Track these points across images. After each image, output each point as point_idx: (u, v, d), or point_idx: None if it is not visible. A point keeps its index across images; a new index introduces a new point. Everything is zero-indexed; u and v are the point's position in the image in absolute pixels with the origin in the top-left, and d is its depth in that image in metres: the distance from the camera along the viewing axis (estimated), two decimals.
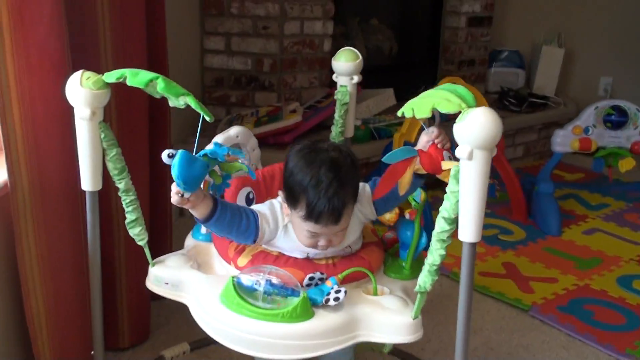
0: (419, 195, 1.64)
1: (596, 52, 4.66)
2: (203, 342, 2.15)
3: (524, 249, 2.95)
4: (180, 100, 1.37)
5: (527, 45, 4.57)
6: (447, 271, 2.67)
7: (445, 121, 2.90)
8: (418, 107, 1.31)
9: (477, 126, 1.21)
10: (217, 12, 3.32)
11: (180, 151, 1.32)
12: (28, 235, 1.65)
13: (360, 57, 1.92)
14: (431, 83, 3.21)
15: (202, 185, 1.52)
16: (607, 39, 4.63)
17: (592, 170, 3.38)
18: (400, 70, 4.00)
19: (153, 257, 1.61)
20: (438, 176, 1.44)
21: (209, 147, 1.41)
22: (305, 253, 1.51)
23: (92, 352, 1.67)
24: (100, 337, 1.66)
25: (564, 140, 3.37)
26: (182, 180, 1.32)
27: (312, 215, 1.42)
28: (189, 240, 1.75)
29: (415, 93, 1.36)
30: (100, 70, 1.43)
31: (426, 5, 4.17)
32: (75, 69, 1.43)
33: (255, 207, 1.54)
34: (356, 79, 1.92)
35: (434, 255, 1.33)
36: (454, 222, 1.31)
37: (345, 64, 1.89)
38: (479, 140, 1.22)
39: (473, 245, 1.31)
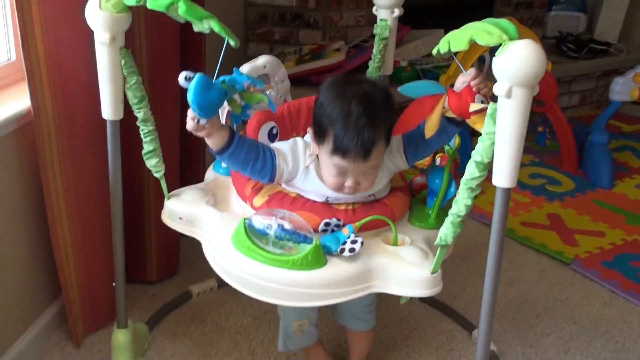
0: (454, 140, 1.53)
1: None
2: None
3: (571, 201, 2.82)
4: (205, 24, 1.29)
5: None
6: (487, 220, 2.57)
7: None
8: (455, 39, 1.21)
9: (517, 60, 1.11)
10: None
11: (197, 74, 1.25)
12: (53, 164, 1.62)
13: None
14: None
15: (222, 118, 1.46)
16: None
17: None
18: (453, 10, 3.81)
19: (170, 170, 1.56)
20: (468, 121, 1.33)
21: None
22: (324, 196, 1.43)
23: (114, 283, 1.64)
24: (121, 265, 1.64)
25: (623, 89, 3.17)
26: (196, 105, 1.26)
27: (339, 148, 1.32)
28: (210, 173, 1.70)
29: None
30: None
31: None
32: None
33: (276, 144, 1.46)
34: (397, 12, 1.81)
35: (459, 205, 1.24)
36: (486, 168, 1.22)
37: None
38: (519, 76, 1.11)
39: (507, 190, 1.22)
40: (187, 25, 1.33)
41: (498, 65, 1.13)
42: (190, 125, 1.30)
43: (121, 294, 1.65)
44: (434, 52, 1.28)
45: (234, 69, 1.36)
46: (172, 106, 1.89)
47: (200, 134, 1.32)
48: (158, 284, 2.11)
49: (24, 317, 1.76)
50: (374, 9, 1.84)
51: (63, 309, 1.86)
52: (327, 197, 1.43)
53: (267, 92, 1.62)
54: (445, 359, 1.87)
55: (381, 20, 1.82)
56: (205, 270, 2.13)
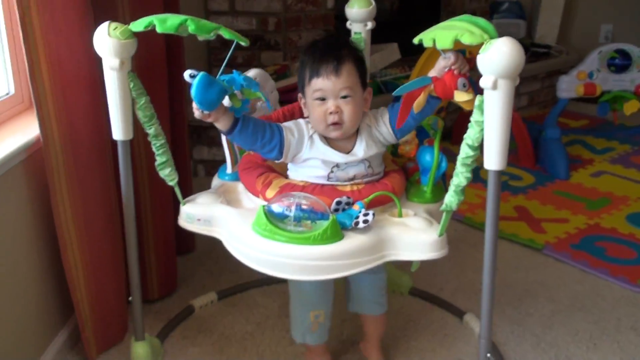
0: (436, 123, 1.68)
1: (595, 0, 4.67)
2: (229, 291, 2.25)
3: (534, 193, 3.01)
4: (212, 33, 1.42)
5: None
6: (461, 217, 2.73)
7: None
8: (440, 37, 1.34)
9: (500, 56, 1.26)
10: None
11: (200, 73, 1.38)
12: (62, 188, 1.70)
13: (374, 3, 1.94)
14: None
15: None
16: None
17: (597, 115, 3.41)
18: (402, 25, 4.00)
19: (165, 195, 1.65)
20: (453, 101, 1.47)
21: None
22: (331, 165, 1.56)
23: (130, 298, 1.72)
24: (137, 279, 1.72)
25: (568, 86, 3.40)
26: (197, 100, 1.40)
27: (313, 69, 1.53)
28: (216, 181, 1.80)
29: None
30: (118, 22, 1.46)
31: None
32: (96, 23, 1.47)
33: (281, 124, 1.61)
34: (370, 25, 1.95)
35: (460, 177, 1.39)
36: (477, 148, 1.36)
37: (359, 11, 1.92)
38: (503, 69, 1.26)
39: (498, 173, 1.36)
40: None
41: (483, 61, 1.27)
42: (196, 114, 1.44)
43: (138, 308, 1.73)
44: (416, 40, 1.41)
45: (234, 70, 1.48)
46: (159, 110, 1.97)
47: (208, 120, 1.46)
48: (159, 302, 2.18)
49: (39, 340, 1.81)
50: (347, 23, 1.97)
51: (74, 331, 1.93)
52: (333, 167, 1.56)
53: (259, 103, 1.74)
54: (442, 343, 2.00)
55: (355, 33, 1.96)
56: (202, 285, 2.24)
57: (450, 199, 1.41)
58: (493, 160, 1.34)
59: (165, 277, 2.19)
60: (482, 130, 1.33)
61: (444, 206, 1.43)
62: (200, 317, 2.11)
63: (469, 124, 1.35)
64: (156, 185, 2.03)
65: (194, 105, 1.42)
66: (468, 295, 2.23)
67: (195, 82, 1.38)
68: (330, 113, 1.53)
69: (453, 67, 1.45)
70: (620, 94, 3.36)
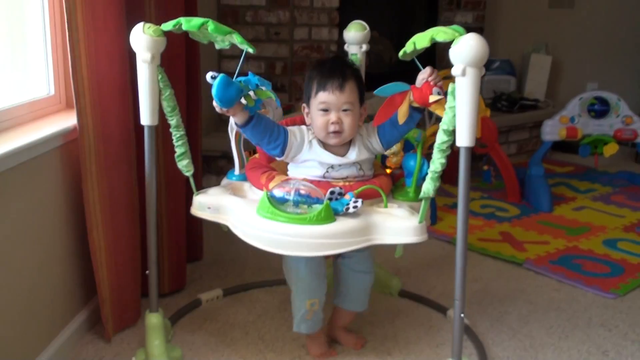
0: (420, 135, 1.93)
1: (582, 59, 5.00)
2: (234, 289, 2.45)
3: (518, 222, 3.24)
4: (226, 41, 1.69)
5: (517, 54, 4.90)
6: (449, 238, 2.94)
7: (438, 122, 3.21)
8: (418, 39, 1.62)
9: (468, 47, 1.52)
10: (233, 20, 3.65)
11: (220, 75, 1.64)
12: (92, 175, 1.93)
13: (368, 28, 2.23)
14: None
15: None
16: (591, 47, 4.98)
17: (579, 155, 3.67)
18: (399, 76, 4.33)
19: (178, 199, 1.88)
20: (429, 108, 1.73)
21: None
22: (326, 165, 1.81)
23: (147, 271, 1.93)
24: (154, 254, 1.94)
25: (552, 129, 3.69)
26: (218, 99, 1.65)
27: (320, 84, 1.78)
28: (224, 181, 2.04)
29: None
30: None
31: (421, 17, 4.54)
32: (128, 25, 1.75)
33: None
34: (365, 47, 2.23)
35: (435, 164, 1.62)
36: (452, 134, 1.60)
37: (356, 34, 2.21)
38: (470, 58, 1.52)
39: (469, 149, 1.60)
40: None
41: (454, 52, 1.54)
42: (217, 109, 1.70)
43: (153, 281, 1.94)
44: (400, 54, 1.70)
45: (249, 72, 1.75)
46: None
47: (227, 114, 1.72)
48: (169, 296, 2.38)
49: (60, 317, 2.01)
50: (345, 46, 2.26)
51: (94, 313, 2.13)
52: (329, 168, 1.80)
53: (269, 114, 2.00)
54: (427, 334, 2.19)
55: (352, 54, 2.24)
56: (209, 286, 2.45)
57: (428, 186, 1.63)
58: (464, 137, 1.58)
59: (176, 273, 2.39)
60: (454, 115, 1.58)
61: (422, 194, 1.65)
62: (207, 309, 2.31)
63: (444, 112, 1.59)
64: (172, 187, 2.28)
65: (215, 102, 1.68)
66: (452, 298, 2.42)
67: (216, 83, 1.64)
68: (332, 123, 1.78)
69: (429, 79, 1.72)
70: (600, 138, 3.64)
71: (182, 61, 2.26)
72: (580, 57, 5.01)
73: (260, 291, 2.45)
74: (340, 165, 1.83)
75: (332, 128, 1.79)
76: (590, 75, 5.00)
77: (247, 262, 2.66)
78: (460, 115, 1.57)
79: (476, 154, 3.87)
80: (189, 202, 2.37)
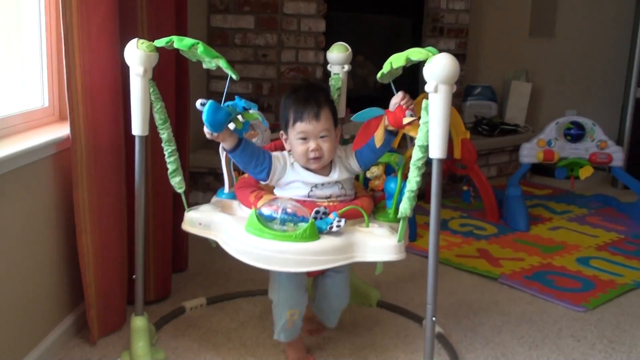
0: (401, 160, 2.03)
1: (561, 87, 5.16)
2: (218, 298, 2.52)
3: (495, 239, 3.34)
4: (213, 62, 1.79)
5: (498, 80, 5.05)
6: (427, 254, 3.02)
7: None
8: (395, 59, 1.74)
9: (440, 66, 1.63)
10: (222, 42, 3.77)
11: (209, 101, 1.73)
12: (83, 182, 2.02)
13: (350, 50, 2.34)
14: None
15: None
16: (570, 75, 5.15)
17: (556, 177, 3.80)
18: (383, 100, 4.45)
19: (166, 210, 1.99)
20: (403, 131, 1.85)
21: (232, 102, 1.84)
22: (310, 185, 1.90)
23: (134, 276, 2.01)
24: (141, 258, 2.01)
25: (530, 152, 3.83)
26: (208, 123, 1.75)
27: (297, 114, 1.87)
28: (214, 199, 2.12)
29: None
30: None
31: (406, 43, 4.68)
32: (121, 41, 1.85)
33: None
34: (347, 67, 2.34)
35: (411, 182, 1.71)
36: (427, 150, 1.70)
37: (338, 55, 2.31)
38: (442, 76, 1.63)
39: (441, 161, 1.70)
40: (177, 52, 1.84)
41: (427, 70, 1.64)
42: (207, 135, 1.79)
43: (140, 285, 2.02)
44: (379, 76, 1.81)
45: (235, 96, 1.84)
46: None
47: (216, 140, 1.81)
48: (154, 304, 2.46)
49: (47, 321, 2.07)
50: (328, 66, 2.36)
51: (80, 318, 2.20)
52: (312, 187, 1.90)
53: (255, 138, 2.10)
54: (403, 342, 2.27)
55: (334, 74, 2.35)
56: (193, 295, 2.52)
57: (405, 205, 1.73)
58: (436, 150, 1.68)
59: (162, 282, 2.47)
60: (428, 131, 1.68)
61: (400, 213, 1.74)
62: (191, 316, 2.39)
63: (419, 128, 1.69)
64: (159, 199, 2.37)
65: (205, 128, 1.77)
66: None
67: (205, 108, 1.74)
68: (312, 150, 1.89)
69: (402, 103, 1.84)
70: (576, 161, 3.77)
71: (172, 79, 2.36)
72: (560, 84, 5.17)
73: (242, 300, 2.52)
74: (323, 184, 1.93)
75: (312, 155, 1.89)
76: (568, 102, 5.15)
77: (231, 273, 2.74)
78: (433, 129, 1.67)
79: (457, 175, 4.00)
80: (176, 214, 2.49)
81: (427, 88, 1.66)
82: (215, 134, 1.79)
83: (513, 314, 2.51)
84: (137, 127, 1.89)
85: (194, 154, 3.38)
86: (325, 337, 2.27)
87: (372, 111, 1.94)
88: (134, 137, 1.92)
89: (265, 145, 2.10)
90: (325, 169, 1.95)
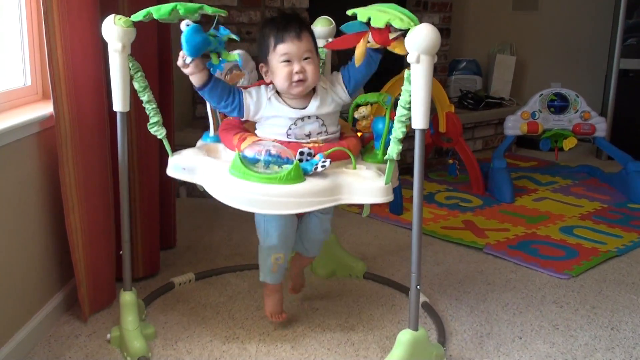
0: (389, 99, 2.03)
1: (545, 60, 5.18)
2: (205, 273, 2.55)
3: (481, 211, 3.38)
4: (196, 15, 1.80)
5: (483, 54, 5.07)
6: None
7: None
8: (375, 18, 1.70)
9: (422, 37, 1.63)
10: (204, 19, 3.75)
11: (193, 24, 1.75)
12: (69, 160, 2.02)
13: (334, 23, 2.34)
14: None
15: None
16: (554, 48, 5.16)
17: (540, 148, 3.83)
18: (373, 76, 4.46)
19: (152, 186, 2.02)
20: (389, 48, 1.81)
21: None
22: (291, 120, 1.89)
23: (121, 251, 2.03)
24: (127, 234, 2.03)
25: (514, 124, 3.86)
26: (186, 42, 1.76)
27: (278, 37, 1.85)
28: (199, 142, 2.12)
29: None
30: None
31: None
32: (101, 18, 1.85)
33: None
34: (330, 40, 2.34)
35: (397, 132, 1.73)
36: (409, 109, 1.70)
37: (322, 29, 2.30)
38: (423, 47, 1.63)
39: (423, 131, 1.71)
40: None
41: (409, 41, 1.65)
42: (179, 62, 1.80)
43: (127, 261, 2.03)
44: (349, 11, 1.79)
45: (220, 26, 1.84)
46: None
47: (186, 71, 1.82)
48: (143, 280, 2.47)
49: (38, 298, 2.09)
50: None
51: (70, 295, 2.21)
52: (291, 125, 1.89)
53: (240, 80, 2.09)
54: (390, 312, 2.30)
55: (319, 48, 2.35)
56: (182, 271, 2.54)
57: (391, 149, 1.75)
58: (419, 120, 1.69)
59: (150, 258, 2.49)
60: (409, 95, 1.69)
61: (387, 155, 1.76)
62: (179, 292, 2.41)
63: (402, 92, 1.71)
64: (144, 175, 2.38)
65: (180, 53, 1.78)
66: None
67: (187, 29, 1.75)
68: (296, 72, 1.86)
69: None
70: (560, 132, 3.80)
71: (154, 56, 2.36)
72: (544, 57, 5.19)
73: (231, 275, 2.55)
74: (302, 120, 1.91)
75: (296, 77, 1.86)
76: (553, 75, 5.17)
77: (219, 249, 2.76)
78: (415, 99, 1.68)
79: (442, 148, 4.02)
80: (162, 190, 2.49)
81: (408, 59, 1.66)
82: (188, 61, 1.79)
83: (498, 283, 2.55)
84: (118, 103, 1.89)
85: (179, 132, 3.38)
86: (312, 308, 2.30)
87: (360, 25, 1.84)
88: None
89: (251, 85, 2.06)
90: (303, 101, 1.92)
